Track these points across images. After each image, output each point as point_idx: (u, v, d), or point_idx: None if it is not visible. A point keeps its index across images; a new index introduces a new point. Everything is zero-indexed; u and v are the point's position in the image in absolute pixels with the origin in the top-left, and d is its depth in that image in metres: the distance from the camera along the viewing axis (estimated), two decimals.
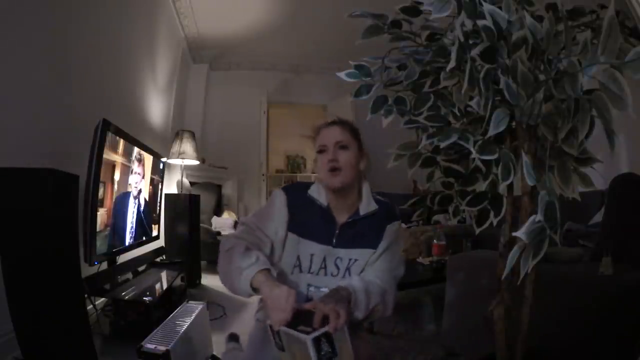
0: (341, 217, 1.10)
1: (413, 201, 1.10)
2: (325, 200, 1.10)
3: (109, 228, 1.85)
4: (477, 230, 0.96)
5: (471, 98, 0.80)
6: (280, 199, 1.12)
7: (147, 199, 2.44)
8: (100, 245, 1.72)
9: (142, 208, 2.31)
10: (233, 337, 1.57)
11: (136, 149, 2.15)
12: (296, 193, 1.14)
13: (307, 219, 1.10)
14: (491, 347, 0.96)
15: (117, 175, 1.91)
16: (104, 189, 1.78)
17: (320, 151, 1.10)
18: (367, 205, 1.10)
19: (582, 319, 1.12)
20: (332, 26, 3.62)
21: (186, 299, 1.57)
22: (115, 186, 1.91)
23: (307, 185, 1.15)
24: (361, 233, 1.10)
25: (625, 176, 1.48)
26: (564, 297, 1.17)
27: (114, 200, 1.88)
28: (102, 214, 1.77)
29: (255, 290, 0.92)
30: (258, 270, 0.92)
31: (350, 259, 1.09)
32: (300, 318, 0.81)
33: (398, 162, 1.01)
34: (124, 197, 2.03)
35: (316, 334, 0.77)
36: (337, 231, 1.10)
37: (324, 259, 1.09)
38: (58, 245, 1.23)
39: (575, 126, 0.74)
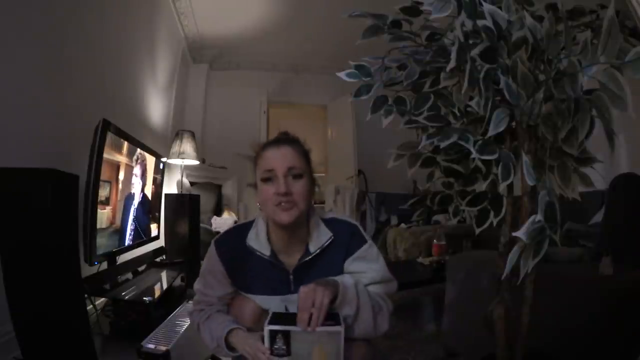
0: (291, 260, 0.94)
1: (413, 201, 1.10)
2: (268, 249, 0.93)
3: (113, 225, 1.86)
4: (477, 230, 0.96)
5: (471, 98, 0.80)
6: (212, 256, 0.99)
7: (149, 198, 2.44)
8: (107, 241, 1.75)
9: (140, 208, 2.31)
10: None
11: (135, 148, 2.15)
12: (231, 244, 0.98)
13: (252, 271, 0.95)
14: (491, 347, 0.96)
15: (117, 175, 1.91)
16: (110, 188, 1.79)
17: (267, 179, 0.89)
18: (317, 239, 0.93)
19: (582, 319, 1.12)
20: (332, 26, 3.62)
21: (186, 299, 1.57)
22: (120, 185, 1.91)
23: (245, 228, 0.98)
24: (321, 272, 0.92)
25: (625, 176, 1.48)
26: (564, 297, 1.17)
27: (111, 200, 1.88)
28: (107, 213, 1.78)
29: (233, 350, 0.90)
30: (224, 335, 0.90)
31: None
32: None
33: (398, 162, 1.01)
34: (124, 197, 2.03)
35: (276, 327, 0.78)
36: (290, 277, 0.94)
37: (286, 309, 0.93)
38: (58, 245, 1.23)
39: (575, 126, 0.74)
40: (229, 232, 1.03)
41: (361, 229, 0.99)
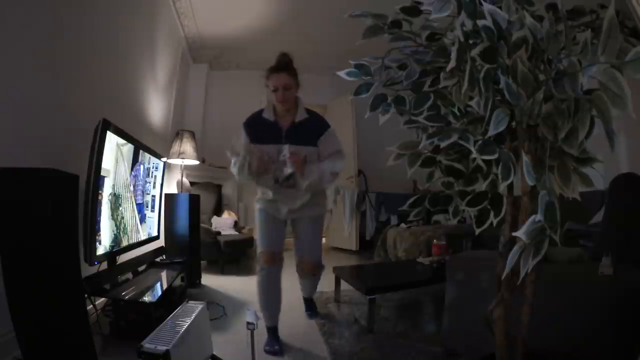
0: (285, 124, 1.79)
1: (412, 200, 1.10)
2: (272, 116, 1.79)
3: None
4: (477, 230, 0.96)
5: (471, 98, 0.80)
6: (241, 131, 1.82)
7: (150, 198, 2.45)
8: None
9: (140, 207, 2.31)
10: None
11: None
12: (252, 120, 1.84)
13: (261, 131, 1.78)
14: (491, 347, 0.96)
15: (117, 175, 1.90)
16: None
17: (273, 90, 1.74)
18: (300, 116, 1.79)
19: (582, 319, 1.12)
20: (332, 26, 3.63)
21: (186, 299, 1.57)
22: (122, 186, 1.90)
23: (262, 110, 1.83)
24: (301, 134, 1.76)
25: (625, 176, 1.48)
26: (564, 297, 1.17)
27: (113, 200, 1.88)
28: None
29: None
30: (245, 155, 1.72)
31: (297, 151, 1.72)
32: None
33: (398, 161, 1.01)
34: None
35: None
36: (283, 134, 1.77)
37: (279, 150, 1.73)
38: (58, 245, 1.23)
39: (575, 126, 0.74)
40: (252, 116, 1.87)
41: (325, 119, 1.91)
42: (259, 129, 1.78)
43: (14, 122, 1.50)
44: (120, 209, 1.96)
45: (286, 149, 1.70)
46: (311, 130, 1.78)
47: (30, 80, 1.60)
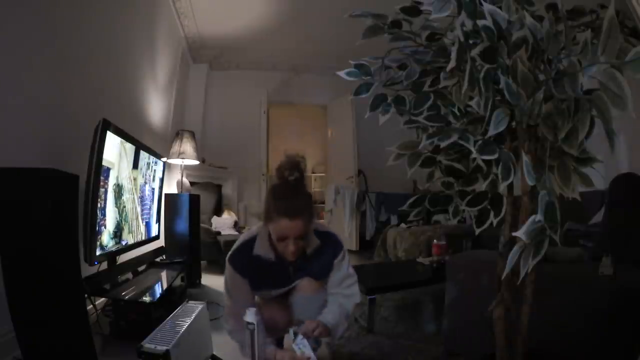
0: (291, 258, 1.25)
1: (412, 201, 1.10)
2: (272, 254, 1.28)
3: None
4: (477, 230, 0.96)
5: (471, 98, 0.80)
6: (232, 273, 1.28)
7: (150, 197, 2.45)
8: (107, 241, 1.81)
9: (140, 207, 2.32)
10: None
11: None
12: (241, 258, 1.28)
13: (261, 272, 1.28)
14: (491, 347, 0.96)
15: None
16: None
17: (279, 239, 1.22)
18: (312, 246, 1.30)
19: (582, 319, 1.12)
20: (332, 26, 3.63)
21: (186, 299, 1.57)
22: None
23: (250, 242, 1.29)
24: (314, 266, 1.32)
25: (625, 176, 1.48)
26: (564, 297, 1.17)
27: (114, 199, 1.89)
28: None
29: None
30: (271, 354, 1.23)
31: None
32: None
33: (398, 161, 1.01)
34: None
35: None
36: (290, 268, 1.32)
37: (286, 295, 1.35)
38: (58, 245, 1.23)
39: (575, 126, 0.74)
40: (237, 249, 1.31)
41: (338, 237, 1.38)
42: (252, 269, 1.27)
43: (14, 122, 1.50)
44: (123, 198, 2.00)
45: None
46: (326, 255, 1.33)
47: (30, 80, 1.60)
